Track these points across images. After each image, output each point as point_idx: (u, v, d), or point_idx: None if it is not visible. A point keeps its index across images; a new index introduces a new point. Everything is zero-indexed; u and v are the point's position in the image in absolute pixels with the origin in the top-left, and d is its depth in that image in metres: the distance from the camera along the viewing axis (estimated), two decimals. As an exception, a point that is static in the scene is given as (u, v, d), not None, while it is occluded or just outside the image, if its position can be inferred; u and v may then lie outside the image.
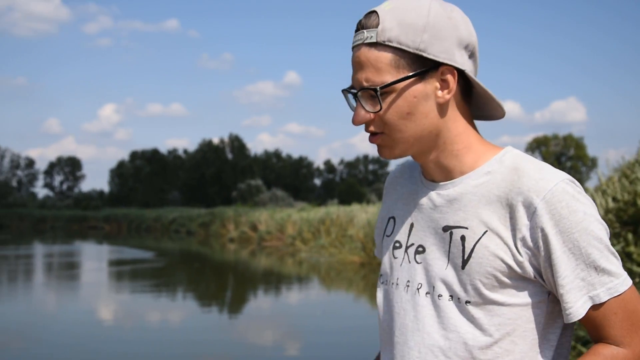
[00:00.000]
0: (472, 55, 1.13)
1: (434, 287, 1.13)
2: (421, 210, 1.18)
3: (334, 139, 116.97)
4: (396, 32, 1.07)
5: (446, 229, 1.13)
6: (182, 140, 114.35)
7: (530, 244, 1.06)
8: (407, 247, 1.19)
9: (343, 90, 1.16)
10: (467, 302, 1.09)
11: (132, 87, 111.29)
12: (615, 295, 1.05)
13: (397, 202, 1.26)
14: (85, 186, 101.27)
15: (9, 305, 11.70)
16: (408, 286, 1.17)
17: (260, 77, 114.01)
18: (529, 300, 1.09)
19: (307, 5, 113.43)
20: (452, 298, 1.11)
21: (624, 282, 1.06)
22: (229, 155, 73.35)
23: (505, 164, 1.11)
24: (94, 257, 24.68)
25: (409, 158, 1.22)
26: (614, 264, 1.06)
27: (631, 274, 5.08)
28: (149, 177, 73.20)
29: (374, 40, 1.09)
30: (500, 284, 1.08)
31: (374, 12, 1.11)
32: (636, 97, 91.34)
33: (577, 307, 1.05)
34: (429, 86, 1.09)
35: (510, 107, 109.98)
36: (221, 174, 69.95)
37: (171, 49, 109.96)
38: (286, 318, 10.54)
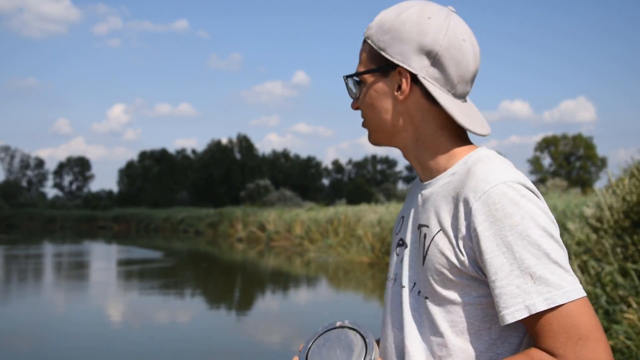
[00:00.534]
0: (436, 63, 1.13)
1: (407, 282, 1.19)
2: (412, 209, 1.24)
3: (342, 138, 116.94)
4: (373, 31, 1.18)
5: (418, 227, 1.19)
6: (190, 140, 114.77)
7: (469, 242, 1.07)
8: (399, 244, 1.26)
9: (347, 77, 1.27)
10: (425, 297, 1.14)
11: (141, 88, 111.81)
12: (553, 306, 1.00)
13: (407, 202, 1.33)
14: (95, 186, 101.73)
15: (18, 304, 11.76)
16: (395, 280, 1.24)
17: (269, 77, 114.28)
18: (482, 299, 1.09)
19: (315, 5, 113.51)
20: (418, 293, 1.16)
21: (566, 294, 1.01)
22: (238, 156, 73.47)
23: (467, 164, 1.13)
24: (103, 257, 24.78)
25: None
26: (555, 273, 1.01)
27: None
28: (157, 177, 73.42)
29: (364, 36, 1.21)
30: (450, 282, 1.10)
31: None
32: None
33: (509, 312, 1.03)
34: (389, 85, 1.17)
35: (519, 106, 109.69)
36: (230, 174, 70.07)
37: (180, 49, 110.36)
38: (294, 318, 10.54)
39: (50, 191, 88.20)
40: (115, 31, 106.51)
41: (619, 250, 6.09)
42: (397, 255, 1.24)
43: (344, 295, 13.48)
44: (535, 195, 1.08)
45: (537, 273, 1.01)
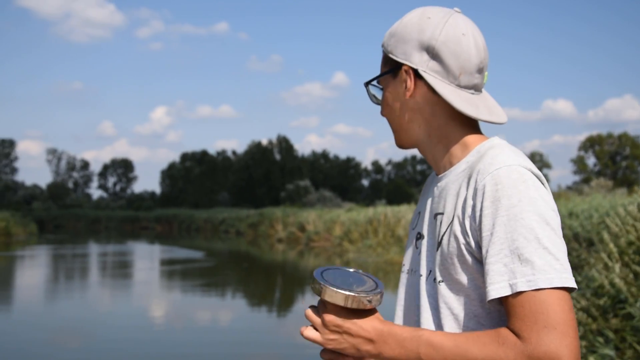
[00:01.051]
0: (435, 57, 1.20)
1: (424, 270, 1.23)
2: (427, 202, 1.28)
3: (381, 139, 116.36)
4: (385, 38, 1.28)
5: (435, 216, 1.23)
6: (231, 141, 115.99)
7: (474, 224, 1.12)
8: (417, 237, 1.29)
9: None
10: (440, 282, 1.18)
11: (183, 90, 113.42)
12: (533, 289, 1.02)
13: (422, 197, 1.37)
14: (137, 187, 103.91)
15: (66, 302, 12.08)
16: (413, 271, 1.28)
17: (308, 78, 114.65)
18: None
19: (354, 7, 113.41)
20: (434, 280, 1.20)
21: (549, 280, 1.02)
22: (277, 156, 73.87)
23: (480, 152, 1.18)
24: (146, 257, 25.23)
25: None
26: (543, 258, 1.04)
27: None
28: (198, 178, 74.37)
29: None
30: (462, 265, 1.14)
31: None
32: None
33: (493, 287, 1.06)
34: (399, 84, 1.24)
35: (562, 105, 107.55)
36: (269, 175, 70.51)
37: (221, 51, 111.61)
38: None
39: (95, 192, 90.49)
40: (157, 34, 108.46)
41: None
42: (416, 248, 1.28)
43: (384, 296, 13.43)
44: (540, 181, 1.12)
45: (525, 255, 1.04)
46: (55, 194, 73.60)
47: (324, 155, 79.82)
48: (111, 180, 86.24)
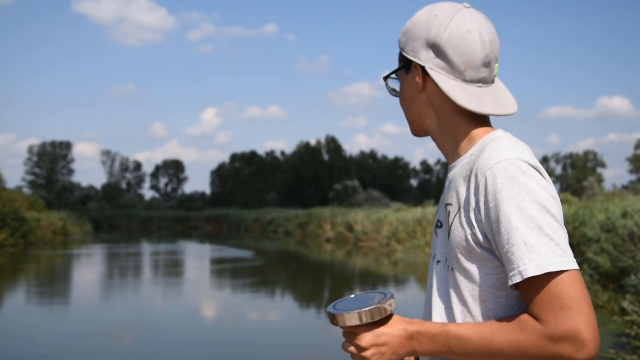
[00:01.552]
0: (440, 54, 1.27)
1: (442, 257, 1.30)
2: (444, 191, 1.36)
3: (430, 139, 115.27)
4: (400, 34, 1.35)
5: (445, 206, 1.31)
6: (279, 142, 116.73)
7: (479, 216, 1.18)
8: (437, 225, 1.36)
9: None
10: (451, 269, 1.26)
11: (232, 91, 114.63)
12: (542, 273, 1.08)
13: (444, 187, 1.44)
14: (188, 188, 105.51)
15: (120, 299, 12.40)
16: (434, 258, 1.35)
17: (356, 78, 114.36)
18: (497, 269, 1.19)
19: (401, 7, 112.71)
20: (447, 267, 1.27)
21: (555, 264, 1.09)
22: (326, 157, 74.05)
23: (482, 145, 1.25)
24: (197, 256, 25.65)
25: None
26: (547, 245, 1.10)
27: None
28: (247, 179, 75.18)
29: None
30: (469, 253, 1.21)
31: None
32: None
33: (509, 275, 1.13)
34: (412, 79, 1.32)
35: (617, 102, 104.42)
36: (318, 175, 70.75)
37: (269, 52, 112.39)
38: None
39: (147, 192, 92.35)
40: (207, 37, 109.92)
41: None
42: (436, 235, 1.35)
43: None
44: (539, 172, 1.18)
45: (530, 242, 1.11)
46: (110, 194, 75.56)
47: (372, 155, 79.60)
48: (162, 180, 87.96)
